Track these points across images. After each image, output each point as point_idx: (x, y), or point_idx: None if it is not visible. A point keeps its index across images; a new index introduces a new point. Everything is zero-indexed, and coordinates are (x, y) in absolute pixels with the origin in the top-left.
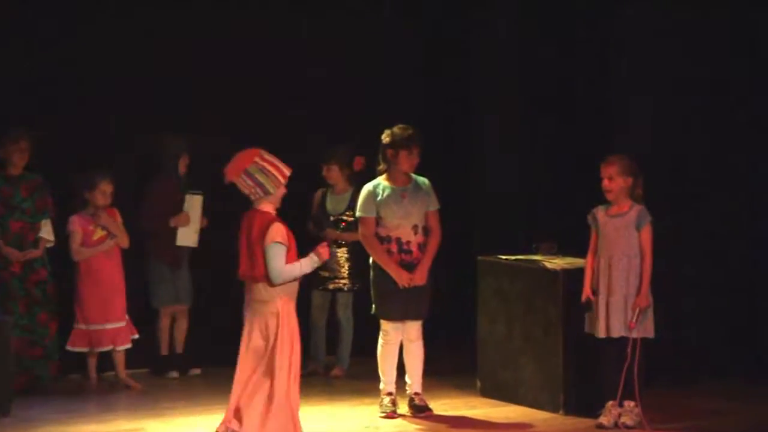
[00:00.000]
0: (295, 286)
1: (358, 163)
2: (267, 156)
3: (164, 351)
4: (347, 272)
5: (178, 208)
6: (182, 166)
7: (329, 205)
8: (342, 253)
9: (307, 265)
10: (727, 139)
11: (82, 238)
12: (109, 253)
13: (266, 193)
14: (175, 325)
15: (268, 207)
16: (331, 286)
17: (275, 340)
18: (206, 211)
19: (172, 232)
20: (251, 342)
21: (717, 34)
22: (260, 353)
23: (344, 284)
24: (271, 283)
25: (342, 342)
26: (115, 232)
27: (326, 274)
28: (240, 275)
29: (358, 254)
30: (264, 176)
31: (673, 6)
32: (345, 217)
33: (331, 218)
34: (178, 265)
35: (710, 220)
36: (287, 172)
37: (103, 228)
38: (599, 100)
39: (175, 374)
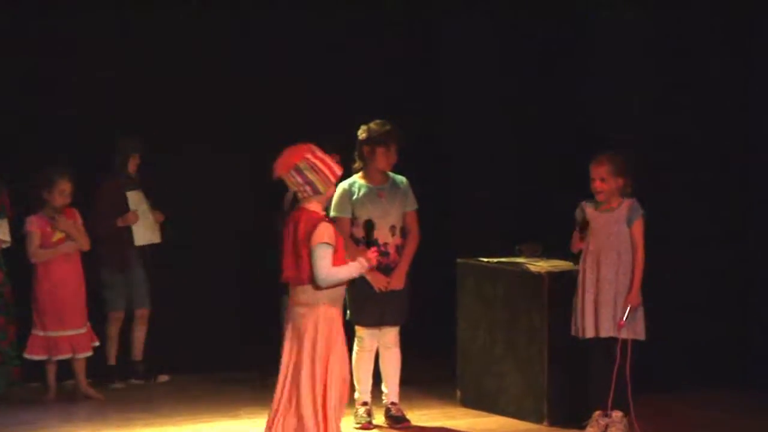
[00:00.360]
0: (341, 292)
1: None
2: (318, 153)
3: (111, 360)
4: None
5: (125, 208)
6: (132, 167)
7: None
8: None
9: (355, 269)
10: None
11: (41, 240)
12: (68, 256)
13: (315, 191)
14: (133, 331)
15: (316, 206)
16: None
17: (308, 351)
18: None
19: (119, 235)
20: (291, 351)
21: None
22: (297, 365)
23: None
24: (317, 286)
25: None
26: (75, 235)
27: None
28: (284, 277)
29: None
30: (314, 174)
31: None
32: None
33: None
34: (127, 267)
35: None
36: (338, 171)
37: (62, 231)
38: (581, 96)
39: (119, 385)
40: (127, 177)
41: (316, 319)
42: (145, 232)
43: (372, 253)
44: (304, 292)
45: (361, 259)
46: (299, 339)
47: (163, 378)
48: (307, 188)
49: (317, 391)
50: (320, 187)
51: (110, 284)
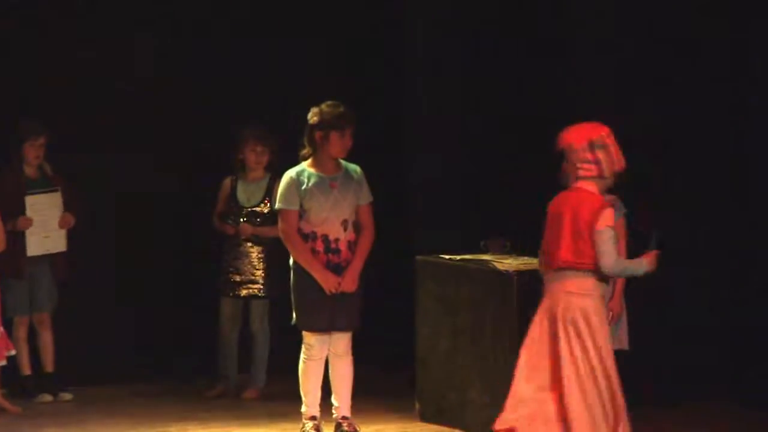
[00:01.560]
0: (608, 290)
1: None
2: (612, 137)
3: (26, 370)
4: (263, 275)
5: (20, 208)
6: (31, 154)
7: (241, 195)
8: (257, 253)
9: (642, 266)
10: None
11: None
12: None
13: (600, 174)
14: (38, 340)
15: (594, 189)
16: (243, 293)
17: (581, 345)
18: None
19: (11, 240)
20: (542, 343)
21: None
22: (552, 359)
23: (259, 290)
24: (601, 273)
25: (256, 358)
26: None
27: (238, 278)
28: (560, 262)
29: (275, 254)
30: (606, 155)
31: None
32: (260, 209)
33: (244, 210)
34: (20, 276)
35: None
36: (624, 165)
37: None
38: (543, 87)
39: (47, 397)
40: (21, 170)
41: (592, 309)
42: (42, 240)
43: (652, 256)
44: (581, 278)
45: (643, 259)
46: (563, 330)
47: (66, 396)
48: (593, 167)
49: (602, 385)
50: (606, 170)
51: (6, 288)
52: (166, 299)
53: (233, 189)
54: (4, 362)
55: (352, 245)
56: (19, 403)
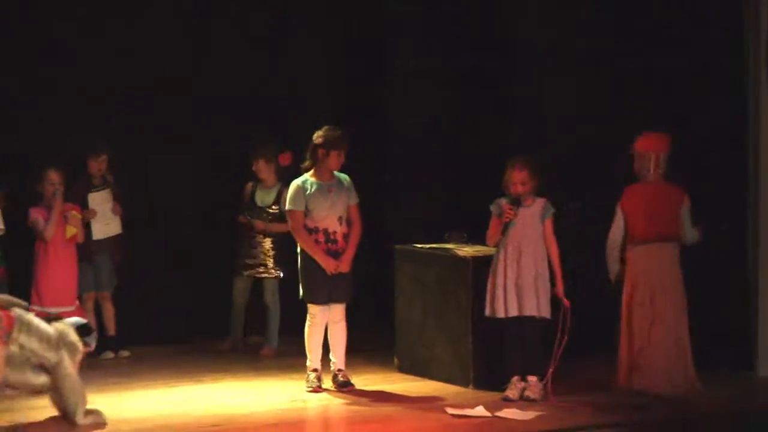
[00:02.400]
0: None
1: (284, 158)
2: None
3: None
4: (273, 261)
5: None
6: (94, 168)
7: (258, 197)
8: (268, 243)
9: None
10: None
11: (44, 223)
12: (65, 244)
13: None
14: (102, 311)
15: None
16: (256, 274)
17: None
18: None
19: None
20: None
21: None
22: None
23: (270, 271)
24: (685, 242)
25: (270, 324)
26: (76, 226)
27: (250, 261)
28: (655, 235)
29: (282, 244)
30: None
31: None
32: (272, 210)
33: (259, 209)
34: (89, 260)
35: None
36: None
37: (75, 227)
38: (501, 96)
39: (110, 354)
40: (90, 178)
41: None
42: (104, 227)
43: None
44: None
45: None
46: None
47: (125, 353)
48: (660, 171)
49: None
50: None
51: (79, 271)
52: (201, 279)
53: (253, 192)
54: None
55: (346, 236)
56: (88, 359)
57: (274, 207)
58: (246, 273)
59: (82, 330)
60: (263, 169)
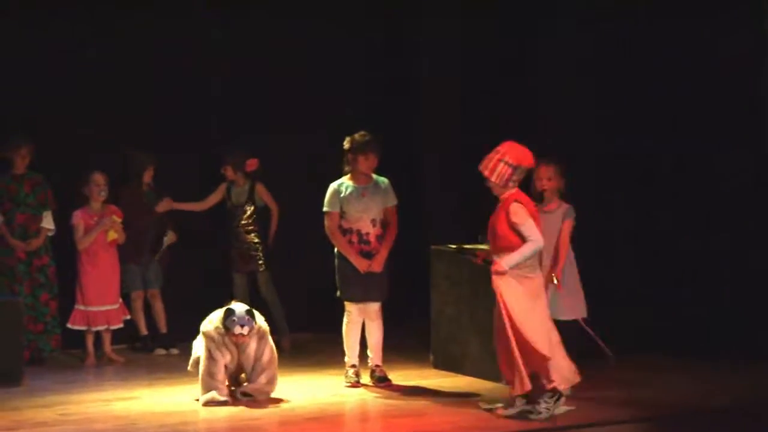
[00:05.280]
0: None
1: (251, 164)
2: None
3: (143, 330)
4: (260, 253)
5: (144, 216)
6: (147, 177)
7: (234, 197)
8: (252, 238)
9: None
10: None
11: (84, 230)
12: (107, 245)
13: None
14: (152, 309)
15: None
16: (249, 269)
17: None
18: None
19: (139, 234)
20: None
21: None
22: None
23: (260, 265)
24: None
25: (274, 316)
26: (117, 231)
27: (242, 256)
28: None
29: (266, 236)
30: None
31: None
32: (248, 208)
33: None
34: (138, 262)
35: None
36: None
37: (116, 231)
38: (530, 100)
39: (161, 351)
40: (140, 187)
41: None
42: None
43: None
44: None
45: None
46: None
47: (174, 351)
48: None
49: None
50: None
51: (127, 270)
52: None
53: (228, 191)
54: (121, 325)
55: (379, 238)
56: (140, 356)
57: (248, 206)
58: (240, 269)
59: None
60: (231, 174)
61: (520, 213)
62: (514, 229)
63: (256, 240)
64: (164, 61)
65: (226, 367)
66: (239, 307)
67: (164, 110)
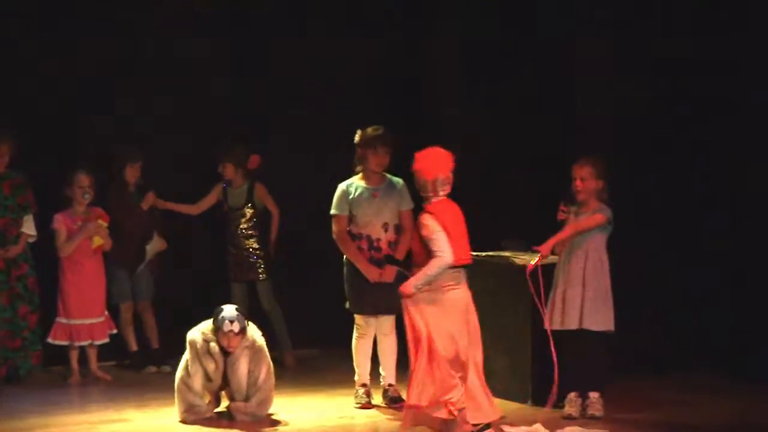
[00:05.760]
0: None
1: (254, 161)
2: None
3: (133, 346)
4: (261, 261)
5: (131, 215)
6: (130, 176)
7: (231, 200)
8: (252, 243)
9: None
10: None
11: (66, 235)
12: (91, 253)
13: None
14: (143, 323)
15: None
16: (248, 278)
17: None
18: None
19: (127, 237)
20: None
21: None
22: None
23: (260, 275)
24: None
25: (276, 330)
26: (103, 236)
27: (241, 265)
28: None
29: (266, 241)
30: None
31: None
32: (246, 211)
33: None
34: (133, 269)
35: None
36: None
37: (101, 237)
38: (560, 100)
39: (152, 369)
40: (124, 184)
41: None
42: (154, 245)
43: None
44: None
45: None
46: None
47: (166, 368)
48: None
49: None
50: None
51: (116, 278)
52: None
53: (225, 194)
54: (107, 340)
55: (391, 244)
56: (129, 374)
57: (247, 208)
58: (238, 278)
59: None
60: (231, 173)
61: (429, 225)
62: (423, 243)
63: (256, 246)
64: (163, 59)
65: (209, 379)
66: (229, 306)
67: (164, 110)
